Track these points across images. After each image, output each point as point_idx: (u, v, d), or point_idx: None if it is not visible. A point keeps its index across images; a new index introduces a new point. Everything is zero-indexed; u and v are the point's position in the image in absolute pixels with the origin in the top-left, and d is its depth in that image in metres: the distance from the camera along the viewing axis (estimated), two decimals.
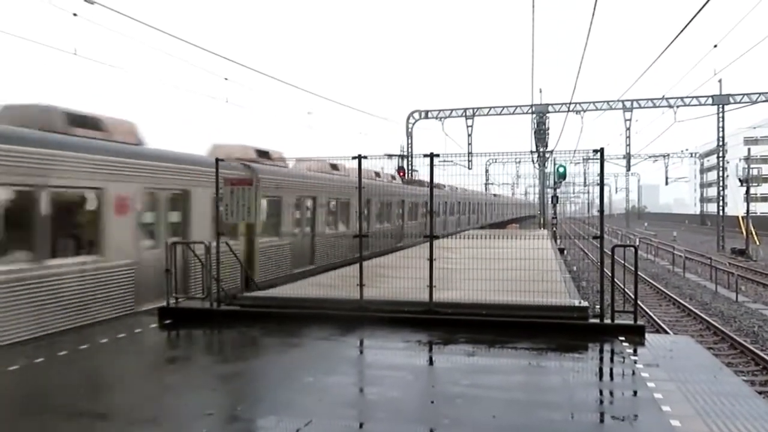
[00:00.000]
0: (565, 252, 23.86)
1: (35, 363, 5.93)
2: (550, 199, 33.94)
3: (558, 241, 26.53)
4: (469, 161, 23.04)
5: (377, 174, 18.37)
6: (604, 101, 36.27)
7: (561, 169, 29.45)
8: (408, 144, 37.60)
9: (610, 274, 7.26)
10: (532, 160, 35.09)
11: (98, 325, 7.78)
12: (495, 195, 43.38)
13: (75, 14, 12.11)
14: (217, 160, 8.65)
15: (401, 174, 30.17)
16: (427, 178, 8.03)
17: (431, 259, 7.72)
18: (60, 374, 5.66)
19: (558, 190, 34.41)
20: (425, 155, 7.89)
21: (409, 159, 35.16)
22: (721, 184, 38.21)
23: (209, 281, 8.26)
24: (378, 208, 18.06)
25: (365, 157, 8.28)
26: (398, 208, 20.23)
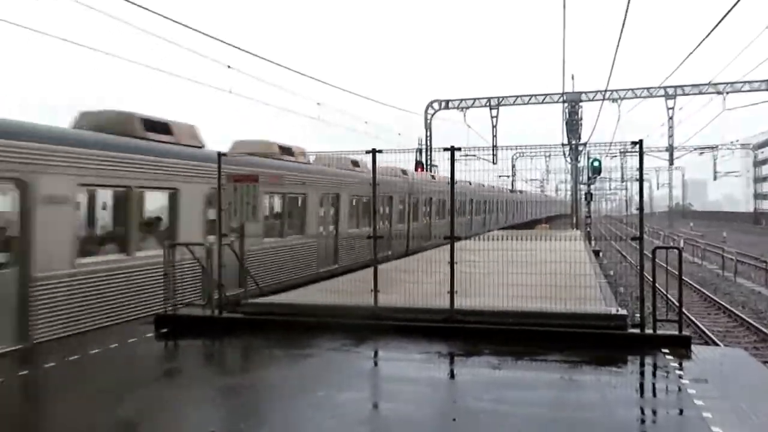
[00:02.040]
0: (601, 255, 23.60)
1: (20, 375, 6.01)
2: (583, 197, 33.65)
3: (593, 242, 26.27)
4: (493, 155, 22.94)
5: (404, 171, 19.07)
6: (643, 88, 35.89)
7: (596, 164, 29.14)
8: (426, 137, 37.50)
9: (651, 279, 7.16)
10: (564, 154, 34.98)
11: (90, 333, 7.86)
12: (521, 192, 43.11)
13: None
14: (219, 154, 8.71)
15: (420, 170, 30.17)
16: (447, 174, 7.99)
17: (452, 263, 7.68)
18: (47, 388, 5.73)
19: (592, 187, 34.09)
20: (445, 149, 7.87)
21: (428, 153, 35.14)
22: None
23: (211, 286, 8.32)
24: (400, 206, 18.65)
25: (380, 152, 8.29)
26: (424, 206, 20.93)
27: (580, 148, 33.60)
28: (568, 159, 35.86)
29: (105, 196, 8.78)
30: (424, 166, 33.32)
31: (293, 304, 8.59)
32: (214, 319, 8.10)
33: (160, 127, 9.96)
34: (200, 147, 10.78)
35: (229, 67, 18.21)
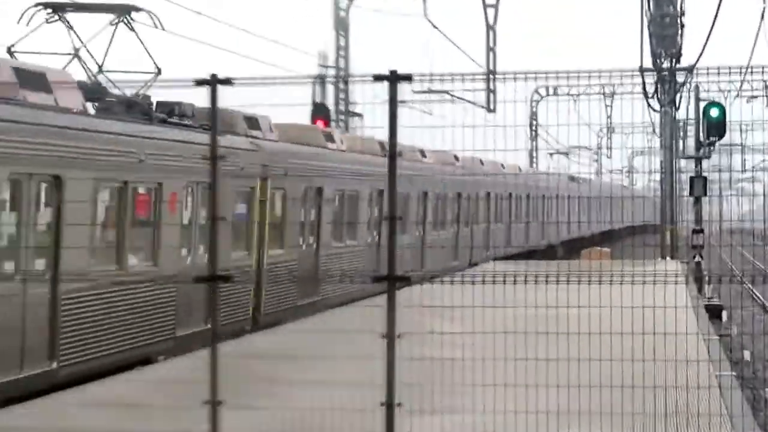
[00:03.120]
0: (725, 315, 24.42)
1: None
2: (688, 185, 34.49)
3: (707, 287, 27.07)
4: (489, 92, 23.30)
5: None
6: None
7: (714, 112, 30.08)
8: (338, 49, 37.65)
9: None
10: (644, 91, 35.91)
11: None
12: (572, 178, 44.39)
13: None
14: None
15: (321, 122, 30.64)
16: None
17: (391, 337, 7.78)
18: None
19: (706, 163, 35.09)
20: (379, 77, 7.98)
21: (340, 85, 35.40)
22: None
23: None
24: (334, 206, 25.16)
25: (228, 82, 8.31)
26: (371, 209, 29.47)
27: (680, 78, 34.59)
28: (655, 103, 36.75)
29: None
30: (329, 117, 33.72)
31: None
32: None
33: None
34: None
35: None
